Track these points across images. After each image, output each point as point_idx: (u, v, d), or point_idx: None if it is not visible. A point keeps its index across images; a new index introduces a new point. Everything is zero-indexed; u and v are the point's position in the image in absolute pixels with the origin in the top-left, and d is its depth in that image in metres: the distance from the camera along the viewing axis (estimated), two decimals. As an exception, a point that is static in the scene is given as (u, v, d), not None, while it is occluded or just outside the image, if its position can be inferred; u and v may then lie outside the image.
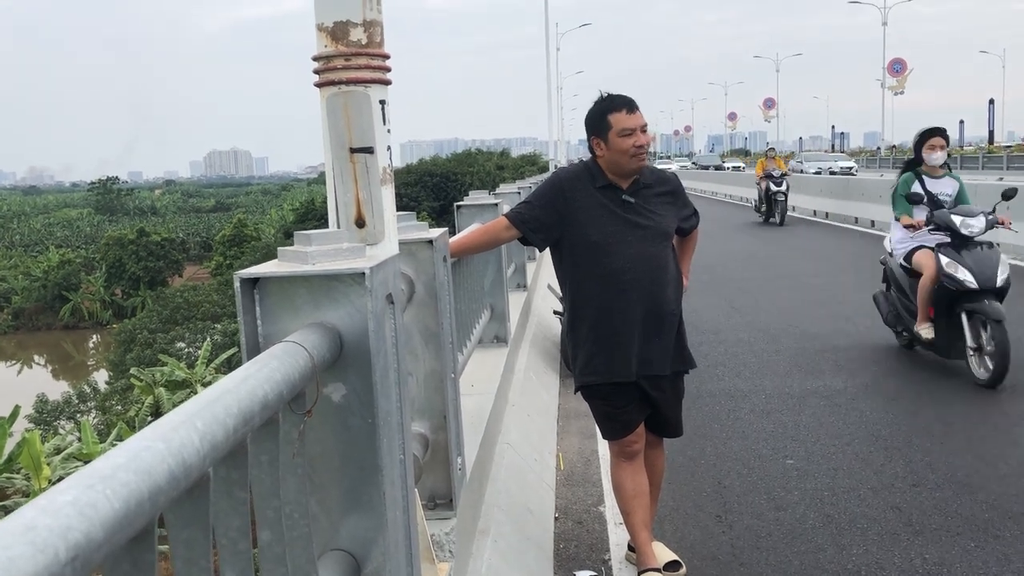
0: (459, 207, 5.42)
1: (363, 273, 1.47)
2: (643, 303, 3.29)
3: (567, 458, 4.95)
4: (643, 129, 3.22)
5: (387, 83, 2.00)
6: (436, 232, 2.42)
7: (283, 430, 1.30)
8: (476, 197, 5.62)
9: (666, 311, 3.34)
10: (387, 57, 1.99)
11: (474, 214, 5.22)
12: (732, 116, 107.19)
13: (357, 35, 1.94)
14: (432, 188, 46.63)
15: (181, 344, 29.58)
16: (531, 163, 57.03)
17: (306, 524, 1.38)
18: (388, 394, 1.58)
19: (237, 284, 1.47)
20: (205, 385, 24.15)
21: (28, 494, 13.05)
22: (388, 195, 1.99)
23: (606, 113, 3.22)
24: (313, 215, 49.86)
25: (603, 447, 4.50)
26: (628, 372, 3.32)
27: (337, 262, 1.52)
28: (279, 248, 1.57)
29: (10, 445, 13.51)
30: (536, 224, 3.29)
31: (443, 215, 38.68)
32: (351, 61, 1.93)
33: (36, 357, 47.87)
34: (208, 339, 26.90)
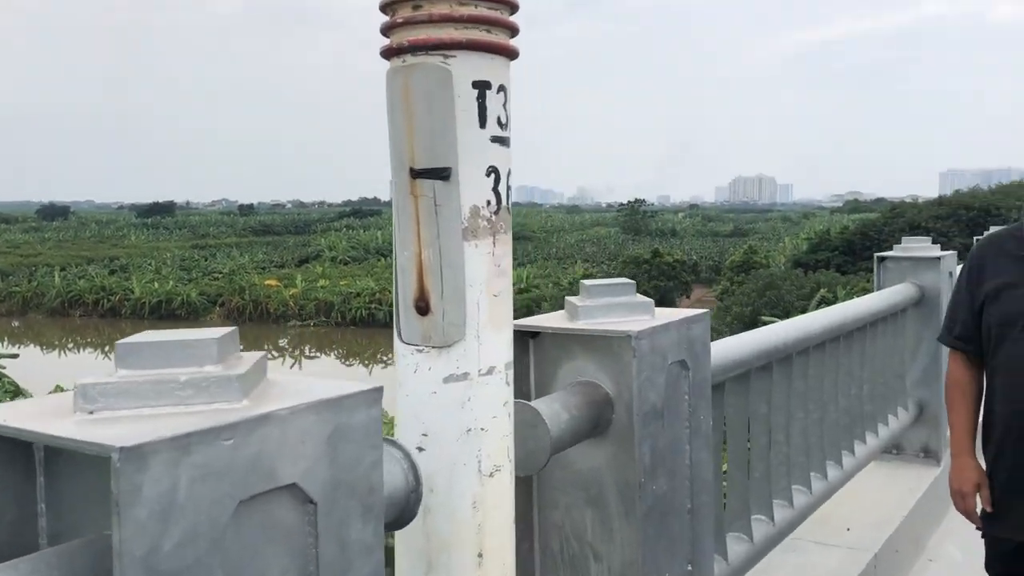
0: (881, 259, 3.88)
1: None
2: None
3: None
4: None
5: (504, 53, 1.05)
6: (647, 322, 1.34)
7: None
8: (910, 246, 3.95)
9: None
10: (509, 4, 1.05)
11: (904, 270, 3.70)
12: None
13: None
14: (967, 223, 41.42)
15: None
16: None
17: None
18: None
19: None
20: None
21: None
22: (481, 257, 1.04)
23: None
24: (826, 246, 47.91)
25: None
26: None
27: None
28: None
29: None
30: (965, 332, 2.50)
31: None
32: (422, 9, 1.03)
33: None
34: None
